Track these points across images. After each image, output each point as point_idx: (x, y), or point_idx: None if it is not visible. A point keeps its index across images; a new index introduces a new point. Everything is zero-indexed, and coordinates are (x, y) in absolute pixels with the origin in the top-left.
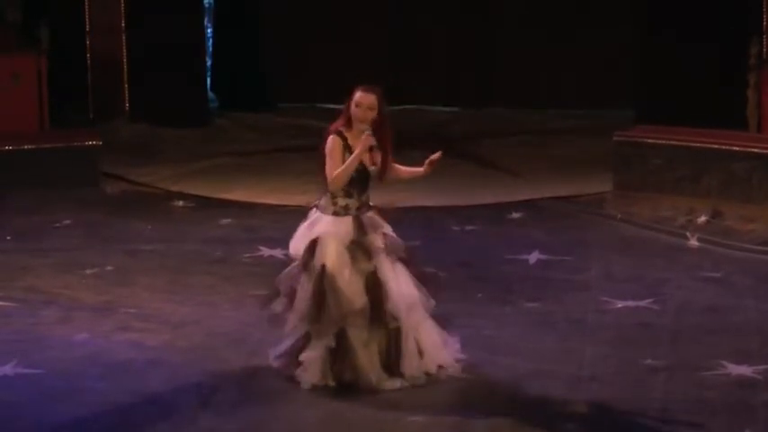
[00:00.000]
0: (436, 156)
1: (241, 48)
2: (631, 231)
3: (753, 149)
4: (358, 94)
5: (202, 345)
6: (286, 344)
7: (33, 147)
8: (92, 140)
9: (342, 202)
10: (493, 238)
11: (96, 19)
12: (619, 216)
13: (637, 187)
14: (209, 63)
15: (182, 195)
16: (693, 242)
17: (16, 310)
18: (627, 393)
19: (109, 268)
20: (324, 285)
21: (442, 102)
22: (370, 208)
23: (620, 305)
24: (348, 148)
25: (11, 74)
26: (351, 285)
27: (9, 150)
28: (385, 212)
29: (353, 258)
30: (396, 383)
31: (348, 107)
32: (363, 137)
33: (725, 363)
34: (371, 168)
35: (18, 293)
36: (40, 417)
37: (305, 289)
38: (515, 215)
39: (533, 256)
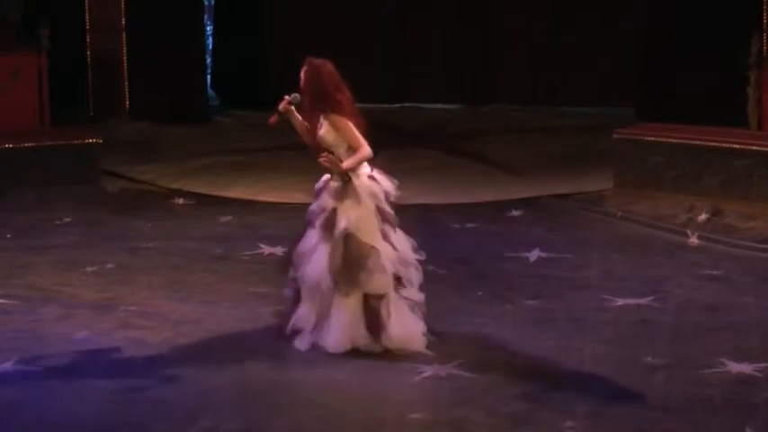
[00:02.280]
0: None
1: (241, 46)
2: (632, 229)
3: (753, 147)
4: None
5: (203, 342)
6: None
7: (34, 145)
8: (92, 138)
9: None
10: (493, 236)
11: (96, 17)
12: (619, 214)
13: (637, 185)
14: (209, 61)
15: (182, 193)
16: (694, 240)
17: (17, 308)
18: (627, 391)
19: (109, 266)
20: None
21: (443, 99)
22: (341, 179)
23: (620, 303)
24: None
25: (11, 72)
26: (320, 246)
27: (9, 148)
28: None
29: (324, 221)
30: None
31: None
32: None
33: (725, 360)
34: (320, 137)
35: (18, 291)
36: (41, 414)
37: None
38: (516, 213)
39: (534, 254)
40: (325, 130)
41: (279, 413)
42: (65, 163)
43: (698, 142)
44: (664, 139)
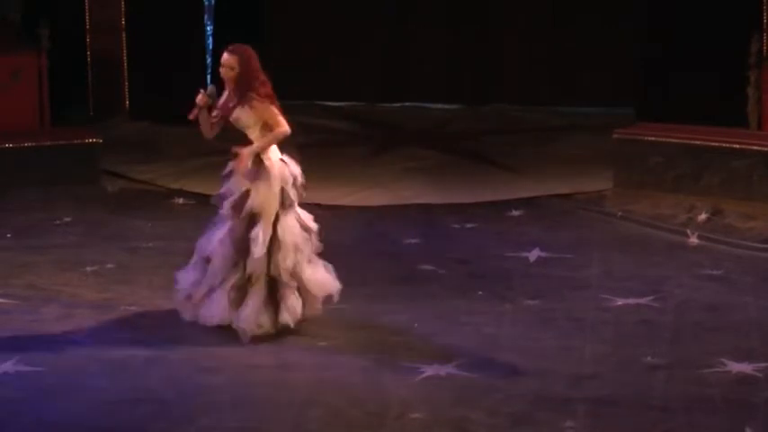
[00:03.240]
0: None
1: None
2: (632, 229)
3: (753, 147)
4: (223, 55)
5: (202, 342)
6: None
7: (34, 144)
8: (92, 138)
9: (234, 149)
10: (493, 236)
11: (96, 17)
12: (619, 214)
13: (637, 185)
14: (208, 61)
15: (182, 193)
16: (694, 240)
17: (16, 308)
18: (627, 391)
19: (109, 266)
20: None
21: (443, 99)
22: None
23: (620, 303)
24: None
25: (11, 72)
26: (220, 225)
27: (9, 148)
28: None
29: (228, 203)
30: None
31: None
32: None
33: (725, 360)
34: (233, 122)
35: (18, 291)
36: (41, 414)
37: None
38: (515, 213)
39: (533, 254)
40: (242, 113)
41: (278, 413)
42: (65, 163)
43: (698, 142)
44: (664, 139)
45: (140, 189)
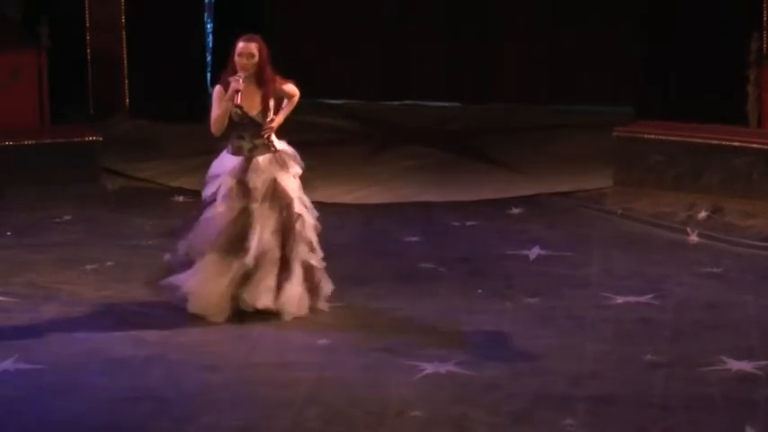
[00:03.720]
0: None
1: None
2: (632, 227)
3: (753, 145)
4: (239, 45)
5: (202, 341)
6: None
7: (33, 143)
8: (92, 136)
9: (236, 143)
10: (493, 234)
11: (96, 15)
12: (619, 212)
13: (637, 183)
14: (209, 59)
15: (182, 191)
16: (694, 238)
17: (16, 306)
18: (627, 389)
19: (109, 264)
20: (201, 215)
21: (443, 97)
22: (269, 150)
23: (620, 301)
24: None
25: (11, 70)
26: (218, 218)
27: (9, 146)
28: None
29: (233, 195)
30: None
31: (232, 58)
32: (233, 81)
33: (725, 358)
34: (256, 113)
35: (18, 289)
36: (41, 412)
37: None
38: (516, 210)
39: (534, 252)
40: (274, 95)
41: (278, 411)
42: (65, 161)
43: (698, 140)
44: (664, 137)
45: (140, 187)
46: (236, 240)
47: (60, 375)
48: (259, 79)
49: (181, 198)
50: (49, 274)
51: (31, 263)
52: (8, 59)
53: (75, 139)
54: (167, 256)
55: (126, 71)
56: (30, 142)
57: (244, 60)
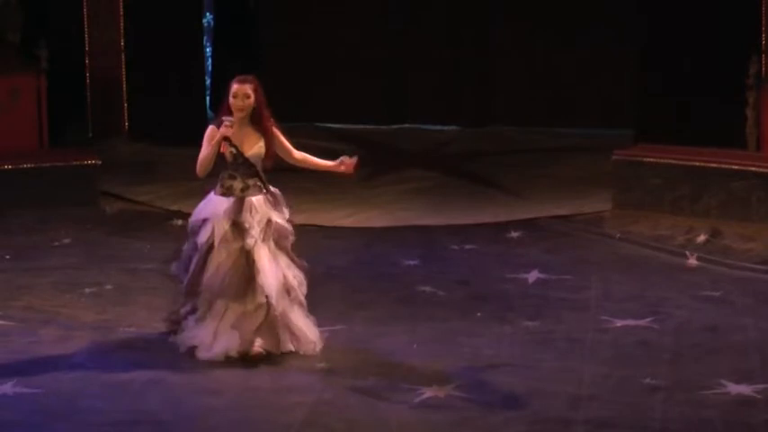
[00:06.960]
0: (351, 159)
1: (240, 67)
2: (631, 250)
3: (752, 168)
4: (234, 86)
5: (202, 363)
6: (179, 312)
7: (32, 166)
8: (91, 159)
9: (227, 183)
10: (492, 257)
11: (96, 38)
12: (618, 235)
13: (636, 206)
14: (208, 82)
15: (180, 214)
16: (693, 261)
17: (15, 329)
18: (626, 413)
19: (108, 287)
20: (203, 261)
21: (442, 121)
22: (262, 191)
23: (619, 324)
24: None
25: (10, 93)
26: (221, 267)
27: (8, 169)
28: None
29: (230, 237)
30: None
31: (227, 99)
32: (222, 126)
33: (724, 382)
34: (251, 153)
35: (17, 312)
36: None
37: (193, 263)
38: (515, 234)
39: (532, 275)
40: (260, 144)
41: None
42: (63, 184)
43: (697, 163)
44: (662, 161)
45: (139, 210)
46: (243, 282)
47: (59, 399)
48: (255, 119)
49: (179, 222)
50: (47, 298)
51: (30, 286)
52: (7, 82)
53: (74, 163)
54: (173, 267)
55: (125, 94)
56: (29, 165)
57: (239, 102)
